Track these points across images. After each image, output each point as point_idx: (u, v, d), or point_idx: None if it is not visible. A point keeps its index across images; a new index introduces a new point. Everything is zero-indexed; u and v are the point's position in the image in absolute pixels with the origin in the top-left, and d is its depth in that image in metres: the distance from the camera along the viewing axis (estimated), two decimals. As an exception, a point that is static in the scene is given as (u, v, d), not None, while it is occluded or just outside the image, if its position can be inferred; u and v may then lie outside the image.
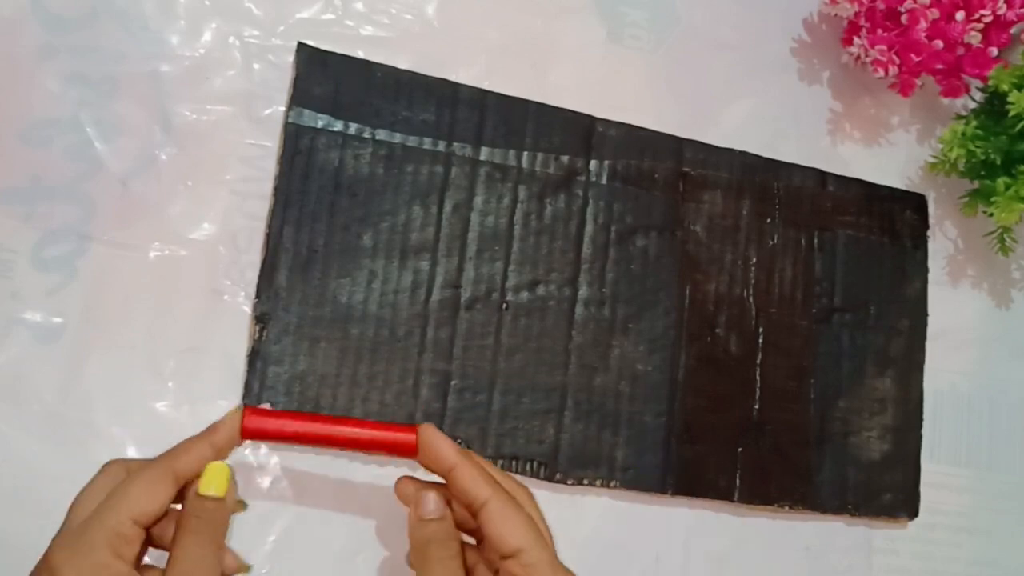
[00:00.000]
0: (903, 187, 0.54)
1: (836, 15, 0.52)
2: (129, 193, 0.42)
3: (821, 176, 0.52)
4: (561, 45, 0.49)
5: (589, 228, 0.47)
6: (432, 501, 0.35)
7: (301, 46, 0.44)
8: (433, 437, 0.36)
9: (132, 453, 0.40)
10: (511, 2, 0.49)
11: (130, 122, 0.42)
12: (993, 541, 0.53)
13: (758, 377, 0.48)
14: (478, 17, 0.48)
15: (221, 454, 0.34)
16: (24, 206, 0.40)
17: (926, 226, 0.54)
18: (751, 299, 0.49)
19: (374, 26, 0.46)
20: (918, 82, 0.51)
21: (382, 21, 0.46)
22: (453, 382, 0.44)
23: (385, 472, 0.43)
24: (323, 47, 0.44)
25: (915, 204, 0.54)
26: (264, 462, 0.42)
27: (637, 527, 0.46)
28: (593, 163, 0.48)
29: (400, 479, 0.37)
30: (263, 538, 0.41)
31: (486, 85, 0.47)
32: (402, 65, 0.45)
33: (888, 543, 0.51)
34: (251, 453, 0.42)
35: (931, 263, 0.54)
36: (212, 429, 0.34)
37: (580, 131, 0.48)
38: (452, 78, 0.46)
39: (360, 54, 0.45)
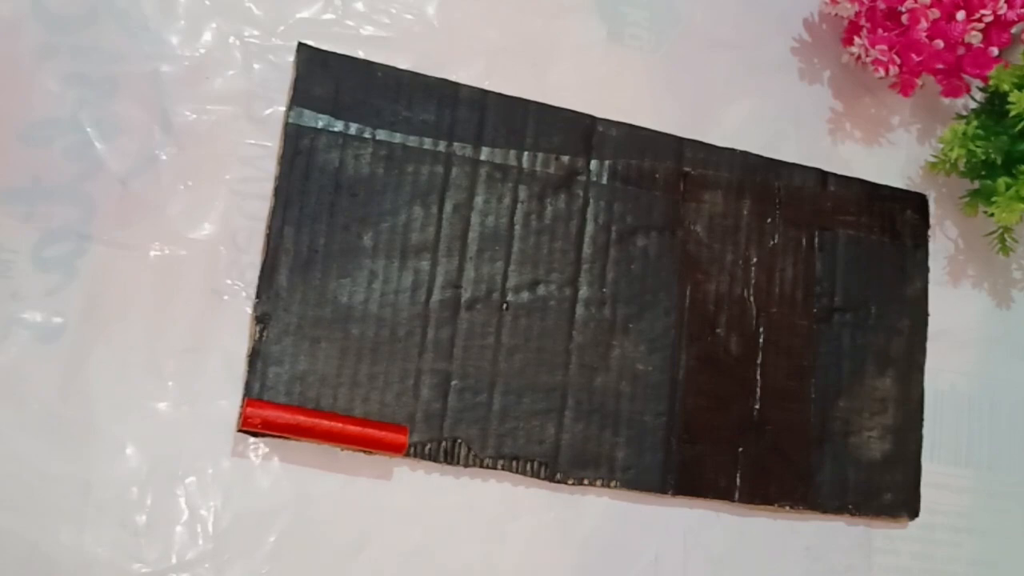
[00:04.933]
0: (904, 187, 0.54)
1: (836, 15, 0.52)
2: (129, 193, 0.42)
3: (822, 176, 0.52)
4: (561, 45, 0.49)
5: (589, 228, 0.47)
6: None
7: (301, 46, 0.44)
8: None
9: (132, 452, 0.40)
10: (511, 2, 0.49)
11: (130, 122, 0.42)
12: (993, 541, 0.53)
13: (758, 377, 0.49)
14: (478, 17, 0.48)
15: None
16: (24, 206, 0.41)
17: (927, 226, 0.54)
18: (752, 299, 0.49)
19: (374, 26, 0.46)
20: (919, 82, 0.51)
21: (382, 21, 0.47)
22: (453, 382, 0.44)
23: (388, 470, 0.43)
24: (323, 47, 0.44)
25: (916, 204, 0.54)
26: (265, 462, 0.42)
27: (637, 527, 0.46)
28: (593, 163, 0.48)
29: None
30: (263, 538, 0.41)
31: (486, 85, 0.47)
32: (402, 65, 0.46)
33: (888, 543, 0.51)
34: (252, 452, 0.42)
35: (931, 263, 0.54)
36: None
37: (580, 131, 0.48)
38: (452, 78, 0.46)
39: (360, 54, 0.45)
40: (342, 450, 0.42)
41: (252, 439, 0.42)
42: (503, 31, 0.48)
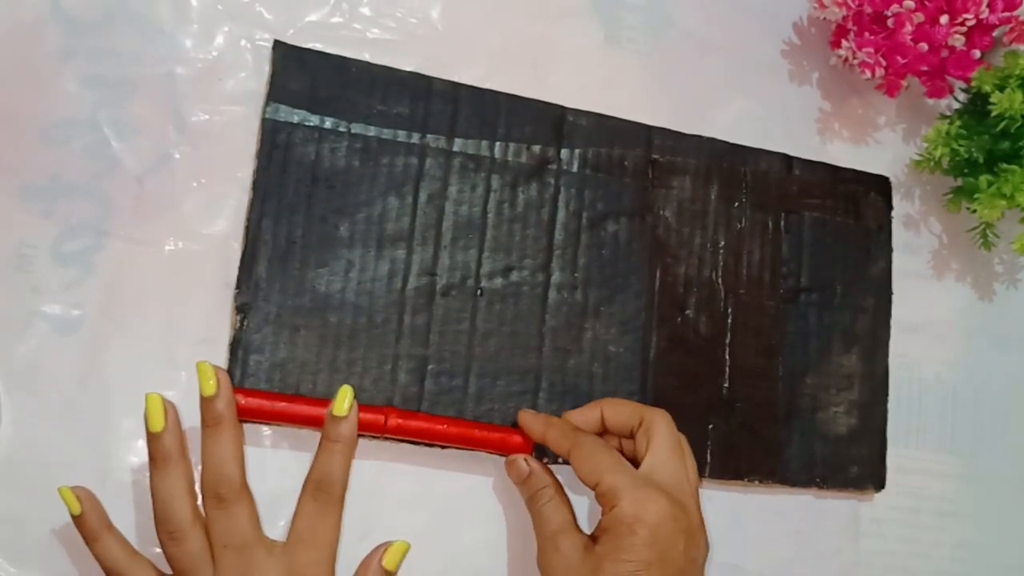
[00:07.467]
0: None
1: (824, 19, 0.53)
2: (144, 190, 0.43)
3: (787, 160, 0.52)
4: (561, 48, 0.51)
5: (561, 215, 0.48)
6: (518, 463, 0.43)
7: (277, 44, 0.45)
8: (524, 421, 0.44)
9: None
10: (513, 6, 0.50)
11: (146, 122, 0.43)
12: (977, 525, 0.54)
13: (727, 356, 0.49)
14: (481, 20, 0.49)
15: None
16: (44, 203, 0.42)
17: (890, 207, 0.54)
18: (720, 281, 0.50)
19: (380, 29, 0.48)
20: (904, 83, 0.52)
21: (388, 24, 0.48)
22: (430, 367, 0.45)
23: (391, 456, 0.44)
24: (331, 50, 0.46)
25: (879, 186, 0.54)
26: (275, 448, 0.43)
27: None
28: (564, 152, 0.48)
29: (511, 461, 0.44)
30: (273, 521, 0.42)
31: (488, 86, 0.48)
32: (407, 67, 0.47)
33: (875, 527, 0.52)
34: (264, 440, 0.43)
35: (917, 258, 0.55)
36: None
37: (551, 121, 0.48)
38: (455, 79, 0.47)
39: (367, 56, 0.46)
40: None
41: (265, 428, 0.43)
42: (505, 34, 0.49)
